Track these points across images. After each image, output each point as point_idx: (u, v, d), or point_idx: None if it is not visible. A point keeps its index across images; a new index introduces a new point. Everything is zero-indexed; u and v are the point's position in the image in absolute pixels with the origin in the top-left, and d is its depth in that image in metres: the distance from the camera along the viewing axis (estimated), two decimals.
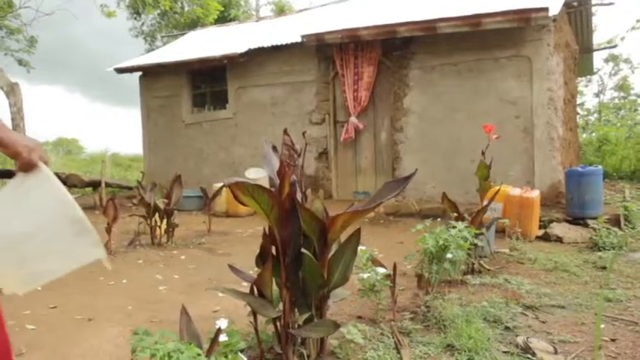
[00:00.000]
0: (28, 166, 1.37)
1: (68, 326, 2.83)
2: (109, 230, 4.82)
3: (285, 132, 2.01)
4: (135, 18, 19.13)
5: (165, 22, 18.40)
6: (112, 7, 11.40)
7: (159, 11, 16.90)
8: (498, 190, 4.20)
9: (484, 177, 4.11)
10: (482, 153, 4.07)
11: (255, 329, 2.09)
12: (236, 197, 1.80)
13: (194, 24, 15.94)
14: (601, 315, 2.79)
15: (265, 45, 8.20)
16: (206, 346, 1.82)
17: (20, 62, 14.46)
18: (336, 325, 1.99)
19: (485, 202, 4.06)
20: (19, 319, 2.92)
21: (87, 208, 9.12)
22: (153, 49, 16.53)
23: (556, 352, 2.30)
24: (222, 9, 16.35)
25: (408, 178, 1.93)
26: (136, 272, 4.15)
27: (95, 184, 9.73)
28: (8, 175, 10.30)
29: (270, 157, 2.09)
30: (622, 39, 16.63)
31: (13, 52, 14.23)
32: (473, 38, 6.73)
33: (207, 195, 6.40)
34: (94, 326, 2.81)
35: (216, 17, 15.60)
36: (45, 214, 1.39)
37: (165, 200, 5.46)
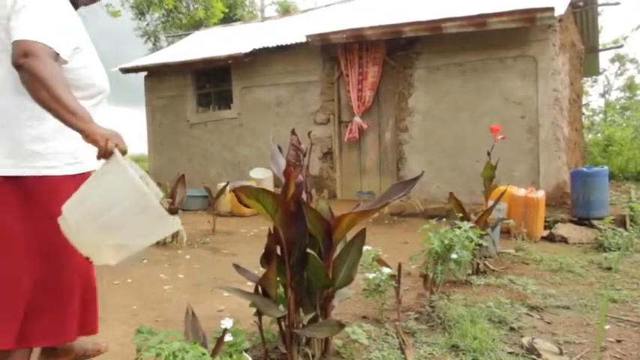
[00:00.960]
0: (106, 153, 1.61)
1: None
2: None
3: (293, 132, 2.01)
4: (139, 18, 19.19)
5: (170, 23, 18.45)
6: (117, 7, 11.43)
7: (164, 11, 16.93)
8: (505, 191, 4.19)
9: (489, 178, 4.10)
10: (488, 153, 4.06)
11: (260, 329, 2.10)
12: (240, 201, 1.80)
13: (198, 24, 15.97)
14: (605, 315, 2.78)
15: (270, 45, 8.20)
16: (211, 345, 1.82)
17: None
18: (341, 325, 1.99)
19: (490, 203, 4.05)
20: None
21: None
22: (157, 50, 16.57)
23: (561, 353, 2.29)
24: (227, 11, 16.37)
25: (415, 180, 1.93)
26: (140, 271, 4.16)
27: None
28: None
29: (277, 157, 2.11)
30: (625, 39, 16.53)
31: None
32: (478, 38, 6.71)
33: (212, 195, 6.42)
34: (100, 325, 2.81)
35: (220, 18, 15.62)
36: (117, 192, 1.60)
37: (170, 200, 5.47)
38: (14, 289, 1.80)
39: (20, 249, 1.79)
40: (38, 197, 1.79)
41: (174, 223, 1.68)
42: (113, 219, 1.58)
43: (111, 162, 1.63)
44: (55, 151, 1.82)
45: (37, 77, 1.59)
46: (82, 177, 1.82)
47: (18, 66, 1.61)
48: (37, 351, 2.16)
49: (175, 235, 5.45)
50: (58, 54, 1.69)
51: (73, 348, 2.26)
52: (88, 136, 1.61)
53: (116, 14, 10.91)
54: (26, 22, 1.66)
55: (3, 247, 1.78)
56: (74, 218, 1.63)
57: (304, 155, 1.99)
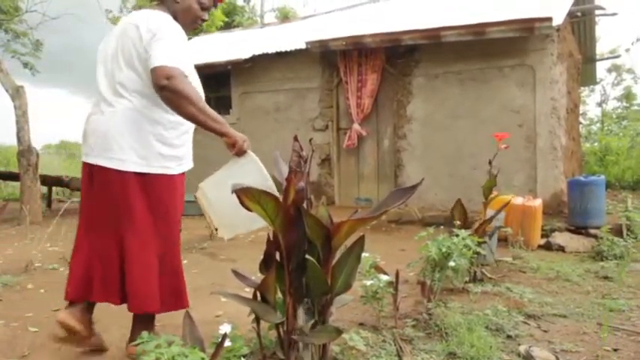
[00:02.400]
0: (242, 151, 2.20)
1: None
2: None
3: (295, 139, 2.04)
4: None
5: None
6: (117, 12, 11.43)
7: None
8: (508, 202, 4.19)
9: (490, 188, 4.11)
10: (490, 162, 4.07)
11: (258, 334, 2.10)
12: (242, 203, 1.81)
13: (198, 30, 16.00)
14: (603, 324, 2.79)
15: (269, 51, 8.24)
16: (209, 350, 1.82)
17: (25, 65, 14.55)
18: (339, 332, 1.99)
19: (489, 211, 4.06)
20: (21, 321, 2.93)
21: None
22: None
23: None
24: (226, 19, 16.41)
25: (414, 188, 1.93)
26: None
27: None
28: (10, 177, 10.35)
29: (280, 164, 2.14)
30: (627, 50, 16.56)
31: (20, 55, 14.33)
32: (477, 47, 6.76)
33: None
34: (98, 329, 2.81)
35: (219, 26, 15.67)
36: (250, 182, 1.94)
37: None
38: (148, 263, 2.22)
39: (149, 230, 2.22)
40: (157, 189, 2.23)
41: None
42: None
43: (246, 158, 2.19)
44: (172, 155, 2.27)
45: (183, 95, 2.01)
46: (181, 175, 2.36)
47: (161, 87, 2.00)
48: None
49: None
50: (187, 76, 2.09)
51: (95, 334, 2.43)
52: (231, 138, 2.17)
53: (116, 21, 10.91)
54: (163, 50, 2.05)
55: (136, 229, 2.19)
56: (213, 197, 2.17)
57: (305, 162, 2.01)
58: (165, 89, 2.00)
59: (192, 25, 2.41)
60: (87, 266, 2.24)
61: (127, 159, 2.16)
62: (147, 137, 2.19)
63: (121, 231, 2.20)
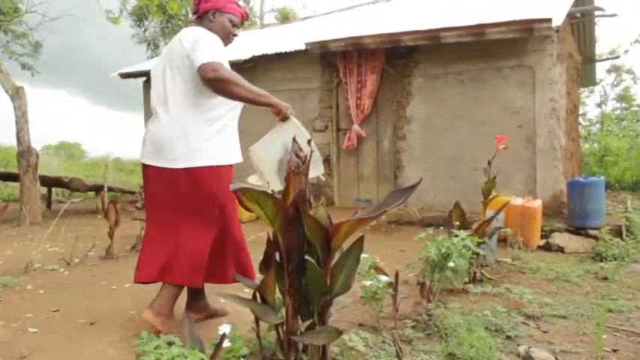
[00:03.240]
0: (286, 117, 2.62)
1: (70, 330, 2.83)
2: (110, 234, 4.83)
3: (294, 140, 2.06)
4: (138, 25, 19.24)
5: (170, 29, 18.47)
6: (117, 13, 11.37)
7: (165, 17, 16.96)
8: (507, 203, 4.19)
9: (489, 190, 4.10)
10: (489, 163, 4.07)
11: (258, 335, 2.10)
12: (241, 202, 1.81)
13: None
14: (602, 325, 2.79)
15: (269, 52, 8.24)
16: (209, 351, 1.82)
17: (24, 66, 14.55)
18: (339, 333, 1.99)
19: (488, 212, 4.06)
20: (21, 322, 2.93)
21: (89, 213, 9.13)
22: (156, 56, 16.57)
23: None
24: None
25: (413, 187, 1.93)
26: None
27: (98, 189, 9.76)
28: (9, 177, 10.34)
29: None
30: (626, 52, 16.48)
31: (19, 56, 14.33)
32: (476, 48, 6.76)
33: None
34: (97, 330, 2.82)
35: None
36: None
37: None
38: (202, 246, 2.62)
39: (197, 218, 2.59)
40: (203, 181, 2.57)
41: (321, 170, 2.54)
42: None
43: (289, 123, 2.58)
44: (214, 149, 2.59)
45: (229, 81, 2.38)
46: (226, 167, 2.67)
47: (209, 79, 2.36)
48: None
49: None
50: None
51: (209, 306, 2.93)
52: (275, 107, 2.58)
53: (115, 21, 10.88)
54: (204, 51, 2.42)
55: (185, 218, 2.58)
56: (263, 155, 2.51)
57: (303, 163, 2.01)
58: (213, 80, 2.36)
59: (226, 41, 2.73)
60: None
61: (178, 158, 2.53)
62: (189, 138, 2.53)
63: (175, 218, 2.59)
